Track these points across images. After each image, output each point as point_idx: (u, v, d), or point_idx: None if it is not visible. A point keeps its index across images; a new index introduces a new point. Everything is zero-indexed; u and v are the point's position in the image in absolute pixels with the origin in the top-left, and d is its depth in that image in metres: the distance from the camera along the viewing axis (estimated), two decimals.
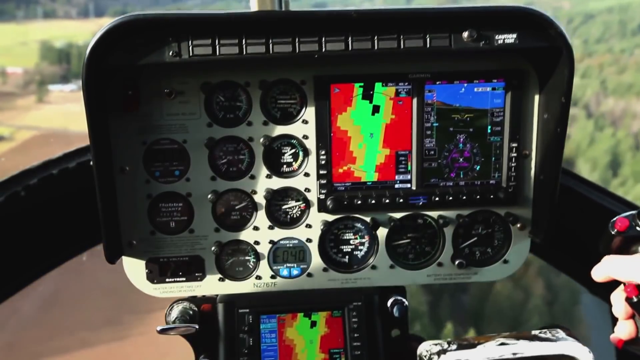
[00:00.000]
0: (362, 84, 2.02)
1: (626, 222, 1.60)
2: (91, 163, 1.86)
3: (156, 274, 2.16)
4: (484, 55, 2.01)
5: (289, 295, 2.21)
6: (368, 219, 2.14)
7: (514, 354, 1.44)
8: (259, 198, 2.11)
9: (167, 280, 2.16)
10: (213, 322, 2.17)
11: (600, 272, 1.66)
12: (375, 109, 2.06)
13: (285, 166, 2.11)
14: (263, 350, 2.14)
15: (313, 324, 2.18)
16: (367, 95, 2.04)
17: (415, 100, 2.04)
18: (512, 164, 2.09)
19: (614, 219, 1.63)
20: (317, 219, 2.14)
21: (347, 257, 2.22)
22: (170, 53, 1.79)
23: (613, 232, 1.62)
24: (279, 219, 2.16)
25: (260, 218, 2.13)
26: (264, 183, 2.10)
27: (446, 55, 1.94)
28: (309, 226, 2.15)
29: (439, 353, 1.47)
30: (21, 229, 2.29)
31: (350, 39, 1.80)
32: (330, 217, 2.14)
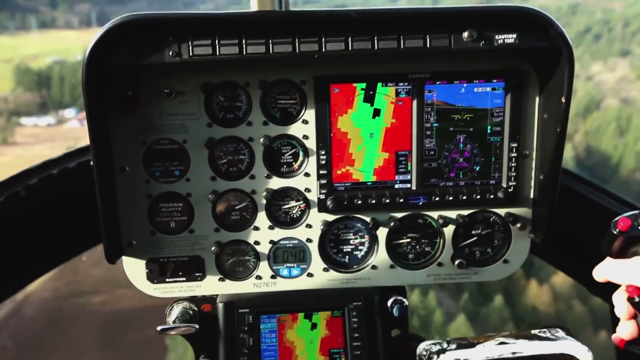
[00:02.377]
0: (364, 86, 2.03)
1: (628, 222, 1.60)
2: (91, 163, 1.86)
3: (156, 274, 2.16)
4: (484, 55, 2.02)
5: (289, 295, 2.21)
6: (368, 219, 2.14)
7: (514, 353, 1.44)
8: (259, 198, 2.11)
9: (167, 280, 2.16)
10: (213, 322, 2.17)
11: (601, 274, 1.67)
12: (376, 112, 2.06)
13: (285, 166, 2.11)
14: (263, 350, 2.14)
15: (314, 326, 2.18)
16: (369, 98, 2.04)
17: (415, 101, 2.04)
18: (512, 164, 2.09)
19: (616, 218, 1.62)
20: (317, 219, 2.14)
21: (347, 257, 2.22)
22: (170, 53, 1.79)
23: (615, 232, 1.62)
24: (279, 219, 2.16)
25: (261, 218, 2.13)
26: (264, 183, 2.10)
27: (446, 55, 1.94)
28: (309, 226, 2.15)
29: (438, 352, 1.48)
30: (21, 229, 2.29)
31: (350, 39, 1.80)
32: (331, 217, 2.14)
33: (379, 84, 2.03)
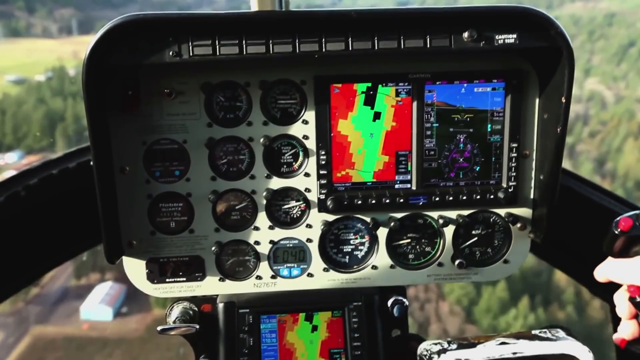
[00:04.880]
0: (364, 88, 2.02)
1: (630, 222, 1.60)
2: (91, 163, 1.86)
3: (156, 274, 2.16)
4: (484, 56, 2.02)
5: (289, 295, 2.21)
6: (368, 219, 2.14)
7: (514, 353, 1.45)
8: (259, 198, 2.11)
9: (167, 280, 2.16)
10: (213, 322, 2.17)
11: (602, 274, 1.67)
12: (377, 116, 2.06)
13: (285, 166, 2.11)
14: (263, 350, 2.14)
15: (314, 328, 2.18)
16: (369, 102, 2.04)
17: (415, 101, 2.04)
18: (512, 164, 2.09)
19: (618, 218, 1.63)
20: (317, 219, 2.14)
21: (347, 257, 2.22)
22: (171, 53, 1.79)
23: (616, 232, 1.62)
24: (279, 219, 2.16)
25: (261, 218, 2.13)
26: (264, 183, 2.10)
27: (446, 55, 1.94)
28: (309, 226, 2.15)
29: (439, 352, 1.48)
30: (21, 228, 2.29)
31: (350, 38, 1.80)
32: (331, 217, 2.14)
33: (379, 86, 2.02)
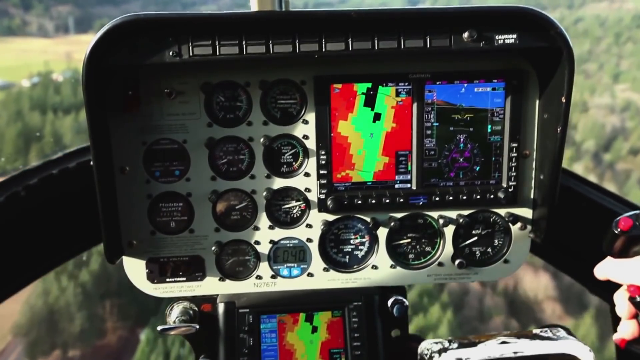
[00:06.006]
0: (364, 89, 2.02)
1: (630, 222, 1.61)
2: (91, 163, 1.86)
3: (156, 274, 2.16)
4: (484, 56, 2.02)
5: (289, 295, 2.21)
6: (368, 219, 2.14)
7: (515, 352, 1.45)
8: (259, 198, 2.11)
9: (167, 280, 2.16)
10: (213, 322, 2.17)
11: (602, 272, 1.67)
12: (377, 117, 2.06)
13: (285, 166, 2.11)
14: (263, 350, 2.14)
15: (314, 329, 2.18)
16: (369, 103, 2.04)
17: (415, 100, 2.04)
18: (512, 164, 2.09)
19: (618, 218, 1.63)
20: (317, 219, 2.14)
21: (347, 257, 2.22)
22: (171, 53, 1.79)
23: (616, 232, 1.62)
24: (279, 218, 2.16)
25: (261, 218, 2.13)
26: (264, 183, 2.10)
27: (446, 55, 1.94)
28: (309, 226, 2.15)
29: (439, 351, 1.48)
30: (21, 228, 2.29)
31: (350, 39, 1.81)
32: (331, 217, 2.14)
33: (380, 86, 2.02)
